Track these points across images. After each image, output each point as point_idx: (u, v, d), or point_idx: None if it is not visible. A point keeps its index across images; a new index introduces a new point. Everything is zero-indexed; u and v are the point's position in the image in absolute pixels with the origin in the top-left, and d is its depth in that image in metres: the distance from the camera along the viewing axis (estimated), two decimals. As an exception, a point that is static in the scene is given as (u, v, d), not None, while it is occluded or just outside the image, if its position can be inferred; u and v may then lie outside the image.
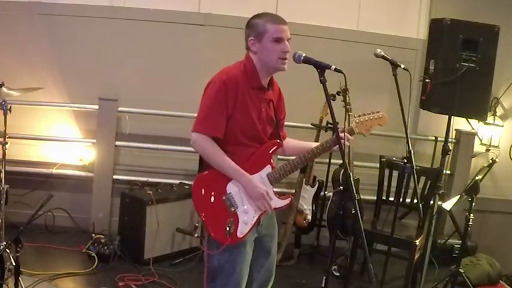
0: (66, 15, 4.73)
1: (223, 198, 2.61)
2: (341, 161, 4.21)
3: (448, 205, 4.05)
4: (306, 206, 4.60)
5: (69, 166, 4.86)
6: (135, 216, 4.37)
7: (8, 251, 3.32)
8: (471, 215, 3.75)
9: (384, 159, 4.42)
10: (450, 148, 4.29)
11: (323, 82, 2.44)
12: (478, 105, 4.16)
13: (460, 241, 4.36)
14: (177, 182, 4.77)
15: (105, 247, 4.26)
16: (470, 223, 3.77)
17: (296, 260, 4.73)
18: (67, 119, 4.88)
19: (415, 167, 3.05)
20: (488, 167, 3.98)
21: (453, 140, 5.06)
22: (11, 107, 3.57)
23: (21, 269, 3.24)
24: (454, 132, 5.10)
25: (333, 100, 3.98)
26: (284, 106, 2.88)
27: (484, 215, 5.19)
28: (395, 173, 4.35)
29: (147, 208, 4.30)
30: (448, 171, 5.06)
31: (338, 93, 4.10)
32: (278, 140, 2.79)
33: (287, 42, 2.60)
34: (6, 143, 3.56)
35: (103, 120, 4.75)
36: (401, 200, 4.28)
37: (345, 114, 3.24)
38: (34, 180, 4.73)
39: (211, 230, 2.60)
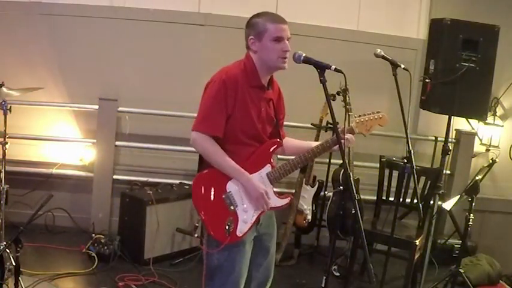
0: (66, 15, 4.74)
1: (223, 196, 2.61)
2: (341, 161, 4.21)
3: (448, 205, 4.04)
4: (306, 206, 4.59)
5: (69, 166, 4.85)
6: (135, 216, 4.37)
7: (8, 251, 3.31)
8: (471, 215, 3.75)
9: (384, 159, 4.41)
10: (450, 148, 4.29)
11: (323, 82, 2.44)
12: (478, 105, 4.16)
13: (460, 241, 4.36)
14: (177, 182, 4.77)
15: (105, 247, 4.25)
16: (470, 223, 3.77)
17: (296, 260, 4.72)
18: (67, 119, 4.88)
19: (415, 167, 3.05)
20: (488, 167, 3.98)
21: (453, 140, 5.06)
22: (11, 107, 3.57)
23: (21, 269, 3.23)
24: (454, 132, 5.10)
25: (333, 100, 3.97)
26: (284, 106, 2.87)
27: (484, 215, 5.20)
28: (395, 173, 4.35)
29: (147, 208, 4.30)
30: (448, 171, 5.06)
31: (338, 93, 4.09)
32: (278, 139, 2.78)
33: (287, 42, 2.60)
34: (6, 143, 3.56)
35: (103, 120, 4.75)
36: (401, 200, 4.28)
37: (345, 114, 3.23)
38: (34, 180, 4.73)
39: (211, 228, 2.60)
